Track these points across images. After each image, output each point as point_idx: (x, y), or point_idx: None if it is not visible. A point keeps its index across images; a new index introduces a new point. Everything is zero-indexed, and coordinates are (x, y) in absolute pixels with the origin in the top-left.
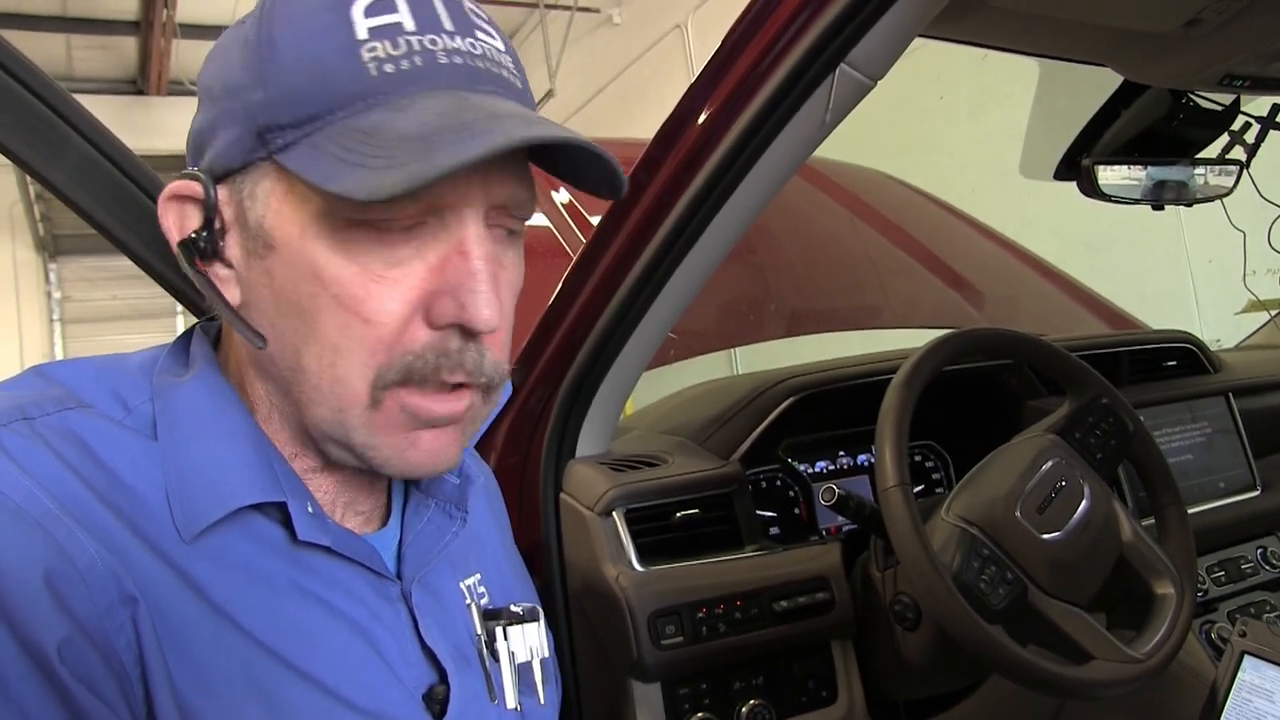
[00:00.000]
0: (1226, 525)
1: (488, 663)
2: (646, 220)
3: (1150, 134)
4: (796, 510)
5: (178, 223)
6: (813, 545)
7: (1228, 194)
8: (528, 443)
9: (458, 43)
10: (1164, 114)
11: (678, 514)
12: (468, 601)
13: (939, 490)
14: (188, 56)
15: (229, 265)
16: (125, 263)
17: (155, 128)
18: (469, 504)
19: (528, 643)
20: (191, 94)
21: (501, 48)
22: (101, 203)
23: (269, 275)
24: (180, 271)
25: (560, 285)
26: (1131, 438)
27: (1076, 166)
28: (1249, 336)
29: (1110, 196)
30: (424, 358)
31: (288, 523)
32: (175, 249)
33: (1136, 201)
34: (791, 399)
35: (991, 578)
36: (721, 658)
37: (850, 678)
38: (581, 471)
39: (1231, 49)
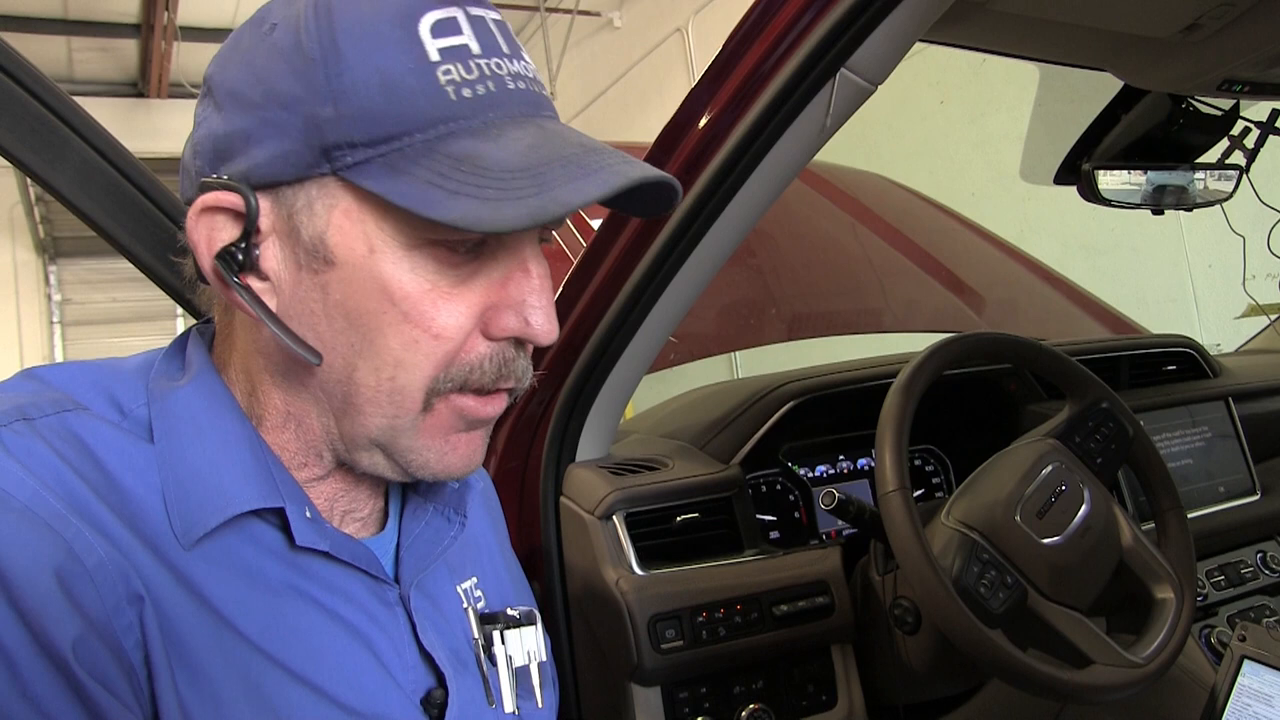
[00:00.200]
0: (1226, 530)
1: (485, 667)
2: (647, 224)
3: (1150, 139)
4: (796, 514)
5: (207, 234)
6: (813, 549)
7: (1227, 199)
8: (528, 446)
9: (516, 66)
10: (1164, 119)
11: (678, 518)
12: (465, 605)
13: (939, 494)
14: (188, 59)
15: (263, 277)
16: (125, 265)
17: (156, 130)
18: (467, 508)
19: (525, 646)
20: (192, 96)
21: (535, 68)
22: (101, 205)
23: (323, 290)
24: (180, 275)
25: (561, 289)
26: (1131, 442)
27: (1076, 171)
28: (1249, 341)
29: (1110, 201)
30: (482, 367)
31: (285, 528)
32: (209, 261)
33: (1136, 206)
34: (792, 403)
35: (991, 582)
36: (721, 662)
37: (850, 682)
38: (582, 475)
39: (1231, 54)
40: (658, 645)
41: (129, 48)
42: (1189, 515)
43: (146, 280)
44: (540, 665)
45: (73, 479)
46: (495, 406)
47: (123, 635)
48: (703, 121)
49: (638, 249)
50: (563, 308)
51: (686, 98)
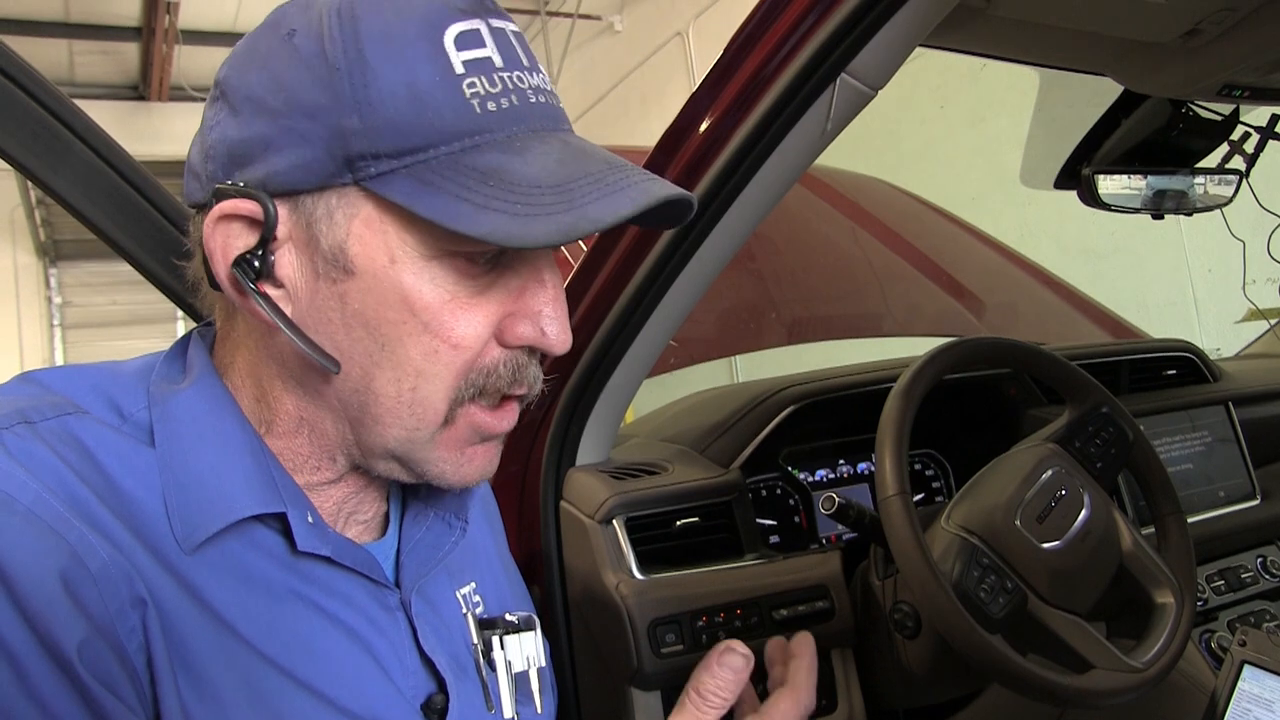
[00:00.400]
0: (1226, 534)
1: (484, 672)
2: (647, 229)
3: (1150, 143)
4: (796, 518)
5: (225, 243)
6: (812, 553)
7: (1227, 203)
8: (528, 451)
9: (536, 80)
10: (1164, 123)
11: (678, 522)
12: (464, 611)
13: (939, 499)
14: (189, 62)
15: (278, 285)
16: (125, 268)
17: (157, 133)
18: (468, 514)
19: (524, 652)
20: (194, 100)
21: (550, 80)
22: (102, 209)
23: (342, 299)
24: (180, 278)
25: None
26: (1131, 446)
27: (1077, 175)
28: (1249, 345)
29: (1110, 206)
30: (497, 373)
31: (287, 532)
32: (226, 269)
33: (1136, 211)
34: (791, 407)
35: (991, 586)
36: None
37: (850, 686)
38: (582, 479)
39: (1231, 59)
40: (658, 649)
41: (130, 51)
42: (1189, 520)
43: (147, 283)
44: (539, 671)
45: (74, 482)
46: (509, 419)
47: (126, 638)
48: (704, 126)
49: (638, 253)
50: None
51: (687, 102)
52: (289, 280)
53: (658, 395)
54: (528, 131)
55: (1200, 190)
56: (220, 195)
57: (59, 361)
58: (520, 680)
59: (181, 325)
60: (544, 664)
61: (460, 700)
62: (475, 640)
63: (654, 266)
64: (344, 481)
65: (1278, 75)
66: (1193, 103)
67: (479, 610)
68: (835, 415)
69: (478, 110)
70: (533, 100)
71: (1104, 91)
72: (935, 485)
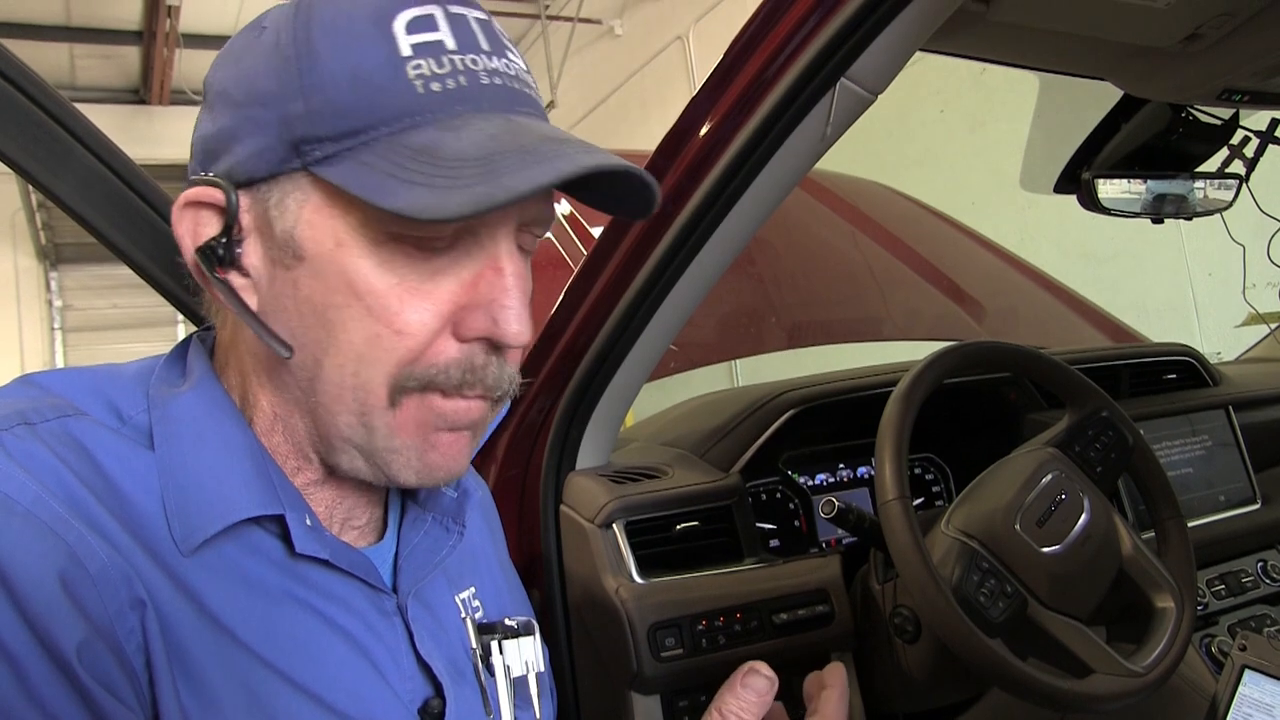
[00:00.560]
0: (1226, 538)
1: (483, 677)
2: (648, 232)
3: (1150, 148)
4: (796, 522)
5: (192, 229)
6: (812, 558)
7: (1227, 208)
8: (528, 454)
9: (495, 63)
10: (1164, 128)
11: (678, 526)
12: (463, 615)
13: (939, 503)
14: (190, 66)
15: (245, 274)
16: (126, 271)
17: (158, 137)
18: (465, 518)
19: (523, 656)
20: (194, 103)
21: (525, 67)
22: (103, 213)
23: (294, 285)
24: (181, 281)
25: (561, 297)
26: (1131, 451)
27: (1076, 180)
28: (1249, 349)
29: (1110, 210)
30: (448, 371)
31: (285, 535)
32: (191, 255)
33: (1136, 215)
34: (791, 411)
35: (991, 591)
36: (721, 670)
37: (850, 691)
38: (582, 483)
39: (1230, 64)
40: (657, 653)
41: (131, 55)
42: (1189, 524)
43: (147, 287)
44: (538, 676)
45: (74, 483)
46: (469, 410)
47: (125, 640)
48: (704, 130)
49: (639, 257)
50: (563, 315)
51: (688, 106)
52: (253, 269)
53: (658, 399)
54: (472, 110)
55: (1200, 194)
56: (190, 186)
57: (59, 364)
58: (519, 685)
59: (182, 329)
60: (543, 669)
61: (458, 705)
62: (474, 645)
63: (654, 270)
64: (328, 484)
65: (1277, 80)
66: (1193, 107)
67: (478, 615)
68: (835, 419)
69: (420, 91)
70: (485, 81)
71: (1104, 96)
72: (935, 489)
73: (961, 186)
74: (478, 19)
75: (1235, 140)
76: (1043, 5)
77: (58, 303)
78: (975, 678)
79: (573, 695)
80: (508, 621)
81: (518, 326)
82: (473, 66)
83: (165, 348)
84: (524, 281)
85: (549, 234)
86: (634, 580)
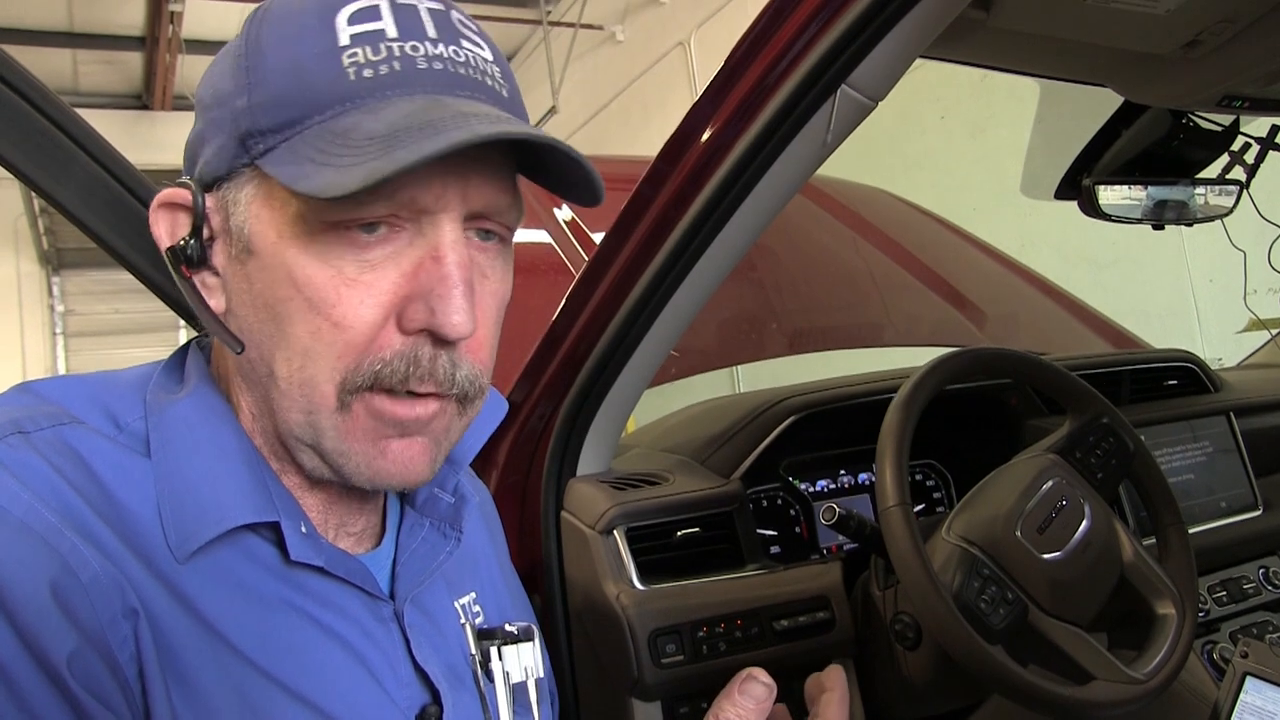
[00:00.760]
0: (1228, 545)
1: (482, 683)
2: (649, 237)
3: (1150, 154)
4: (797, 529)
5: (169, 230)
6: (813, 564)
7: (1228, 214)
8: (529, 461)
9: (440, 49)
10: (1164, 134)
11: (679, 532)
12: (462, 621)
13: (940, 509)
14: (193, 72)
15: (216, 273)
16: (128, 276)
17: (160, 142)
18: (464, 523)
19: (522, 662)
20: None
21: (489, 57)
22: (105, 218)
23: (249, 280)
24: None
25: (563, 302)
26: (1132, 457)
27: (1077, 186)
28: (1250, 355)
29: (1111, 216)
30: (392, 365)
31: (281, 542)
32: (164, 256)
33: (1137, 221)
34: (792, 418)
35: (992, 597)
36: (722, 677)
37: (851, 697)
38: (582, 490)
39: (1230, 70)
40: (658, 660)
41: (134, 60)
42: (1190, 530)
43: (149, 292)
44: (538, 682)
45: (68, 492)
46: (415, 410)
47: (118, 649)
48: (705, 136)
49: (640, 262)
50: (564, 322)
51: (689, 112)
52: (222, 268)
53: (658, 405)
54: (401, 94)
55: (1201, 201)
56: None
57: (61, 369)
58: (518, 691)
59: (183, 334)
60: (542, 675)
61: (456, 711)
62: (473, 651)
63: (655, 276)
64: (318, 488)
65: (1277, 86)
66: (1193, 113)
67: (478, 621)
68: (836, 426)
69: (352, 78)
70: (422, 66)
71: (1104, 102)
72: (936, 496)
73: (962, 192)
74: (430, 8)
75: (1236, 146)
76: (1043, 12)
77: (59, 308)
78: (976, 684)
79: (573, 701)
80: (508, 627)
81: (457, 318)
82: (411, 53)
83: (166, 353)
84: (470, 272)
85: (550, 240)
86: (635, 586)
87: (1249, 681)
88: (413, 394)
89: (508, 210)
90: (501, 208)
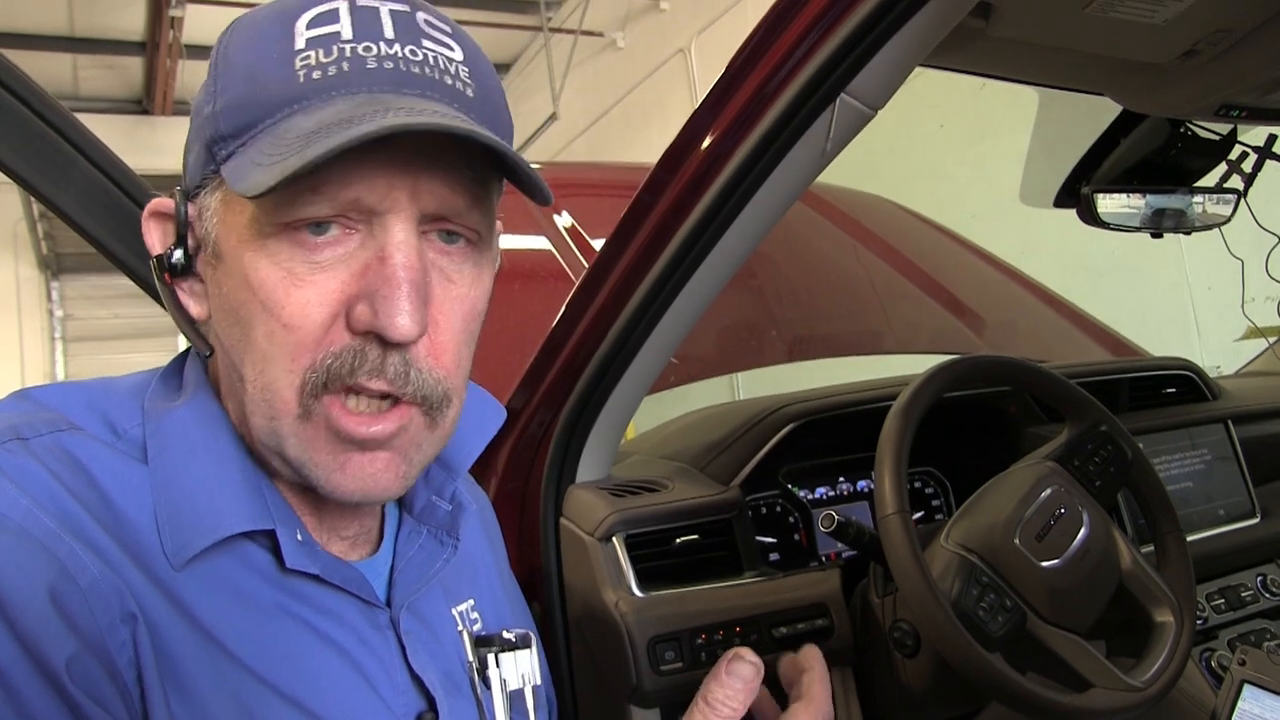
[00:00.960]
0: (1226, 553)
1: (479, 690)
2: (649, 245)
3: (1149, 162)
4: (796, 536)
5: (160, 239)
6: (812, 571)
7: (1225, 222)
8: (528, 467)
9: (395, 50)
10: (1162, 143)
11: (678, 539)
12: (460, 628)
13: (938, 517)
14: (193, 77)
15: (200, 280)
16: (127, 282)
17: (160, 147)
18: (461, 531)
19: (520, 670)
20: None
21: (456, 57)
22: (104, 224)
23: (219, 286)
24: None
25: (562, 309)
26: (1130, 465)
27: (1076, 194)
28: (1248, 363)
29: (1109, 224)
30: (340, 358)
31: (277, 550)
32: (151, 264)
33: (1135, 229)
34: (792, 425)
35: (990, 605)
36: None
37: (849, 704)
38: (582, 496)
39: (1228, 79)
40: (657, 667)
41: (134, 65)
42: (1189, 538)
43: (148, 297)
44: (535, 689)
45: (66, 498)
46: (373, 426)
47: (116, 654)
48: (705, 143)
49: (640, 270)
50: (564, 329)
51: (689, 119)
52: (205, 275)
53: (658, 412)
54: (344, 94)
55: (1199, 209)
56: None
57: (60, 374)
58: (515, 698)
59: (183, 340)
60: (539, 682)
61: (452, 718)
62: (470, 658)
63: (655, 283)
64: (309, 493)
65: (1275, 95)
66: (1191, 122)
67: (476, 628)
68: (835, 433)
69: (301, 80)
70: (371, 66)
71: (1103, 111)
72: (935, 503)
73: (961, 200)
74: (393, 10)
75: (1233, 155)
76: (1041, 21)
77: (59, 312)
78: (974, 692)
79: (572, 708)
80: (505, 634)
81: (401, 319)
82: (363, 53)
83: (166, 358)
84: (421, 274)
85: (550, 246)
86: (634, 594)
87: (1247, 689)
88: (371, 401)
89: (468, 211)
90: (459, 208)
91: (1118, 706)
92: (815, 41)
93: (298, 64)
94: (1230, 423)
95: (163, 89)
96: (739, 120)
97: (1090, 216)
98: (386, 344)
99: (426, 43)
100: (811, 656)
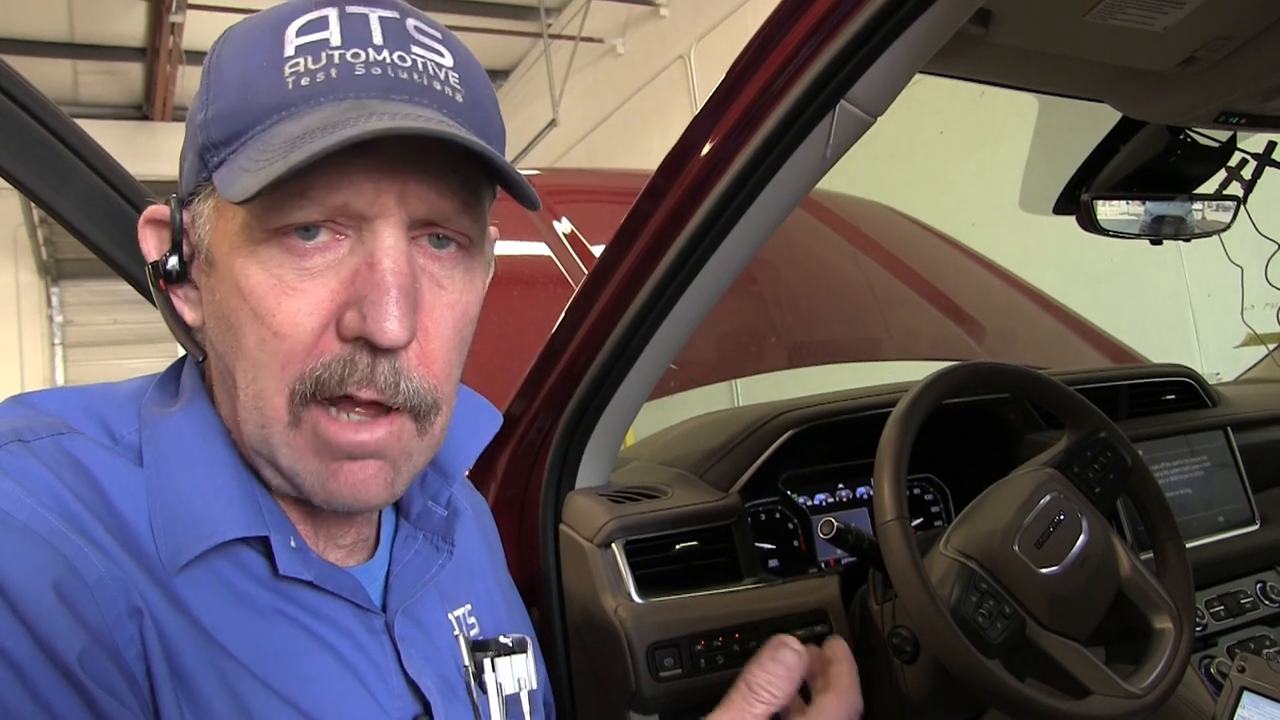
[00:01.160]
0: (1225, 559)
1: (475, 694)
2: (649, 251)
3: (1148, 169)
4: (795, 542)
5: (156, 247)
6: (811, 578)
7: (1225, 229)
8: (528, 474)
9: (383, 56)
10: (1162, 150)
11: (677, 546)
12: (456, 633)
13: (938, 523)
14: (193, 83)
15: (196, 287)
16: (127, 287)
17: (160, 153)
18: (456, 536)
19: (516, 674)
20: None
21: (446, 63)
22: (103, 230)
23: (212, 293)
24: None
25: (562, 315)
26: (1130, 472)
27: (1075, 201)
28: (1248, 370)
29: (1109, 231)
30: (330, 367)
31: (271, 555)
32: (147, 271)
33: (1135, 236)
34: (791, 431)
35: (989, 612)
36: (720, 690)
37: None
38: (581, 503)
39: (1228, 87)
40: (656, 673)
41: (134, 71)
42: (1188, 545)
43: (147, 303)
44: (531, 694)
45: (68, 497)
46: (361, 434)
47: (124, 648)
48: (705, 149)
49: (640, 276)
50: (564, 335)
51: (689, 126)
52: (199, 282)
53: (658, 418)
54: (332, 100)
55: (1198, 216)
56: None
57: (59, 380)
58: (511, 703)
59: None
60: (536, 687)
61: None
62: (466, 663)
63: (655, 289)
64: (303, 501)
65: (1274, 103)
66: (1191, 129)
67: (473, 632)
68: (834, 440)
69: (290, 87)
70: (359, 72)
71: (1103, 118)
72: (934, 510)
73: (961, 206)
74: (383, 16)
75: (1233, 162)
76: (1041, 28)
77: (58, 318)
78: (973, 699)
79: (571, 714)
80: (502, 639)
81: (390, 325)
82: (351, 60)
83: (165, 364)
84: (410, 279)
85: (550, 253)
86: (633, 600)
87: (1246, 696)
88: (359, 409)
89: (457, 216)
90: (449, 213)
91: (1117, 713)
92: (815, 48)
93: (287, 71)
94: (1229, 429)
95: (162, 95)
96: (739, 127)
97: (1090, 223)
98: (376, 350)
99: (416, 49)
100: (838, 649)
